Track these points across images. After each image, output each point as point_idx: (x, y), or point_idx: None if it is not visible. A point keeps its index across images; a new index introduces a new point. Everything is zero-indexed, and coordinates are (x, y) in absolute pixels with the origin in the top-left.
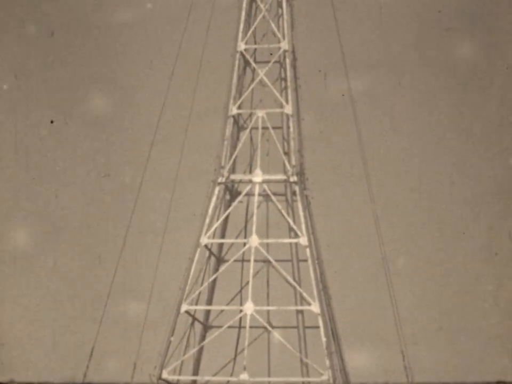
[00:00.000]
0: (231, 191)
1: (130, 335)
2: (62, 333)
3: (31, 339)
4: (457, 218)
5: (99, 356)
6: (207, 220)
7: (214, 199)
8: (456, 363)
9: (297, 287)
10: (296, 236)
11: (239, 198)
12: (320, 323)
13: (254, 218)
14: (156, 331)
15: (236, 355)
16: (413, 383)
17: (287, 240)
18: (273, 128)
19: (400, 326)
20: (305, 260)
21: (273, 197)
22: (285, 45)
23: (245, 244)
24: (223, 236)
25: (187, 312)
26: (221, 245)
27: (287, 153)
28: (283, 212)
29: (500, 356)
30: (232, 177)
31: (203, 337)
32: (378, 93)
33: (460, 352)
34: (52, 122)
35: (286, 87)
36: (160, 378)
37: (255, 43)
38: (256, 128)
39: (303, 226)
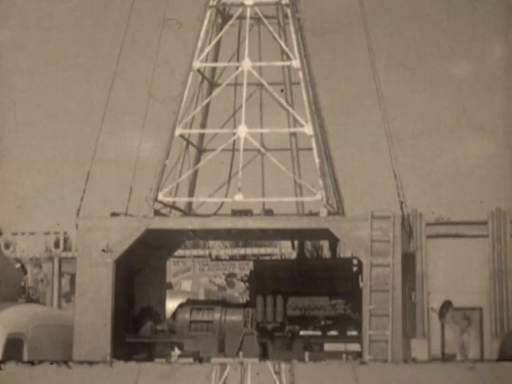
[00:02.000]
0: (223, 15)
1: (126, 163)
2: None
3: None
4: None
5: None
6: (199, 44)
7: (205, 22)
8: None
9: (290, 109)
10: (289, 58)
11: (231, 21)
12: (313, 144)
13: (246, 42)
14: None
15: (230, 177)
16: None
17: (279, 63)
18: None
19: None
20: (298, 83)
21: (265, 20)
22: None
23: (237, 68)
24: (215, 60)
25: (181, 135)
26: (213, 70)
27: None
28: (275, 34)
29: None
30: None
31: (198, 161)
32: None
33: None
34: None
35: None
36: (156, 200)
37: None
38: None
39: (295, 49)
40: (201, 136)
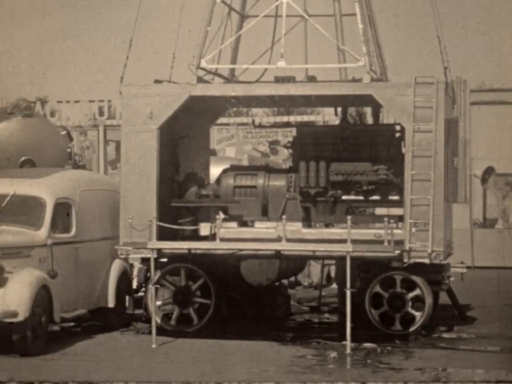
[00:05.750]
0: None
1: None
2: None
3: None
4: None
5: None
6: None
7: None
8: None
9: None
10: None
11: None
12: (357, 9)
13: None
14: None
15: (273, 44)
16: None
17: None
18: None
19: None
20: None
21: None
22: None
23: None
24: None
25: (223, 1)
26: None
27: None
28: None
29: None
30: None
31: (240, 27)
32: None
33: None
34: None
35: None
36: (198, 67)
37: None
38: None
39: None
40: (244, 2)
